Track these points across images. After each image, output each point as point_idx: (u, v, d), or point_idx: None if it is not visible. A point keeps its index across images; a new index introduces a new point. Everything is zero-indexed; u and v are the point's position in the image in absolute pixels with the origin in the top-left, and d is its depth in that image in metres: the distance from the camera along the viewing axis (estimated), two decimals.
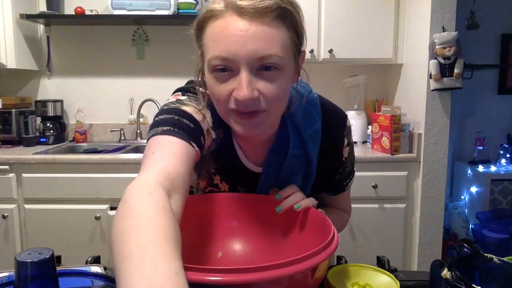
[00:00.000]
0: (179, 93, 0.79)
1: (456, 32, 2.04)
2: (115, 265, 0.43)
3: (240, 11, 0.62)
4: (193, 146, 0.68)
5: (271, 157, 0.81)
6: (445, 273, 0.57)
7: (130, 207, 0.49)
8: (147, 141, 0.69)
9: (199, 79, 0.76)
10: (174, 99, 0.76)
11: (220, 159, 0.83)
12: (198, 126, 0.72)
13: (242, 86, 0.63)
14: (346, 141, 0.86)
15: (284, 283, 0.50)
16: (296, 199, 0.75)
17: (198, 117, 0.73)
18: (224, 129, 0.78)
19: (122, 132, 2.63)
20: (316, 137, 0.81)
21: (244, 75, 0.63)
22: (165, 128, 0.68)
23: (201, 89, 0.77)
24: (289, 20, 0.66)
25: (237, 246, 0.77)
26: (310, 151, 0.81)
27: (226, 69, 0.65)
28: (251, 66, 0.64)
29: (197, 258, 0.74)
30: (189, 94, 0.78)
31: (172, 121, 0.69)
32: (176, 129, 0.68)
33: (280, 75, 0.66)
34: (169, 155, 0.63)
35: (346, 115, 0.86)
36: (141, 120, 2.63)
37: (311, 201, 0.76)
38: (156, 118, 0.72)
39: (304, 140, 0.80)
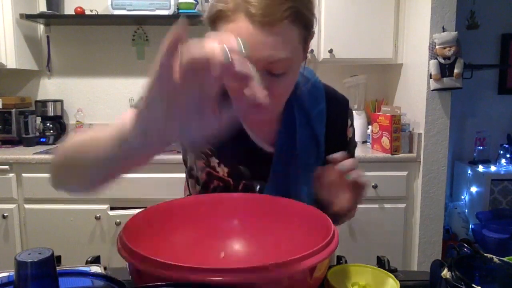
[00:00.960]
0: None
1: (456, 32, 2.04)
2: (89, 152, 0.52)
3: (252, 17, 0.61)
4: None
5: (281, 137, 0.83)
6: (445, 273, 0.57)
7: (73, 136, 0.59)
8: None
9: None
10: None
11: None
12: None
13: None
14: (349, 122, 0.89)
15: (284, 283, 0.50)
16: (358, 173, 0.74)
17: None
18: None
19: None
20: (321, 117, 0.84)
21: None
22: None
23: None
24: (300, 21, 0.65)
25: (239, 246, 0.77)
26: (317, 130, 0.83)
27: None
28: (260, 68, 0.64)
29: (199, 258, 0.74)
30: None
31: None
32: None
33: (289, 73, 0.67)
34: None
35: (348, 99, 0.90)
36: None
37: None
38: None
39: (311, 120, 0.82)
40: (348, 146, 0.90)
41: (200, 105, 0.42)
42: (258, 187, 0.85)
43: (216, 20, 0.66)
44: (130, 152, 0.48)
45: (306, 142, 0.83)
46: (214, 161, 0.84)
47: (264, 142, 0.84)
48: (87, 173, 0.56)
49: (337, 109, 0.87)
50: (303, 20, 0.66)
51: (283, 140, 0.83)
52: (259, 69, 0.64)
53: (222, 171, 0.85)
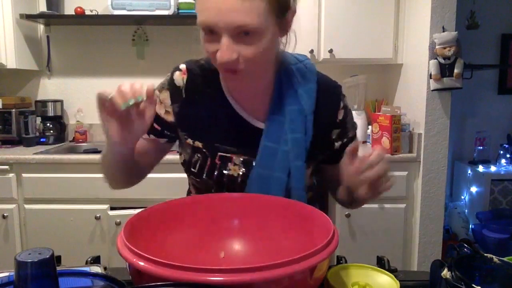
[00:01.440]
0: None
1: (456, 32, 2.04)
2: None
3: None
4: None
5: (271, 112, 0.86)
6: (445, 273, 0.57)
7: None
8: None
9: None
10: None
11: (189, 122, 0.88)
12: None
13: (222, 49, 0.71)
14: (342, 104, 0.91)
15: (284, 283, 0.50)
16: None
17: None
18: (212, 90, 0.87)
19: None
20: (310, 95, 0.86)
21: (224, 40, 0.71)
22: None
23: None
24: None
25: (239, 246, 0.77)
26: (305, 106, 0.85)
27: (212, 31, 0.72)
28: (231, 33, 0.70)
29: (200, 258, 0.74)
30: (158, 86, 0.90)
31: None
32: None
33: (259, 38, 0.72)
34: None
35: (341, 86, 0.94)
36: None
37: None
38: None
39: (299, 96, 0.85)
40: (341, 128, 0.92)
41: (131, 120, 0.73)
42: (242, 159, 0.87)
43: None
44: (114, 155, 0.80)
45: (294, 117, 0.85)
46: (189, 141, 0.89)
47: (254, 118, 0.87)
48: (113, 175, 0.87)
49: (328, 91, 0.90)
50: None
51: (273, 115, 0.86)
52: (228, 33, 0.70)
53: (197, 145, 0.88)
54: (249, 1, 0.68)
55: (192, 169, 0.89)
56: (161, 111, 0.88)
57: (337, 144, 0.93)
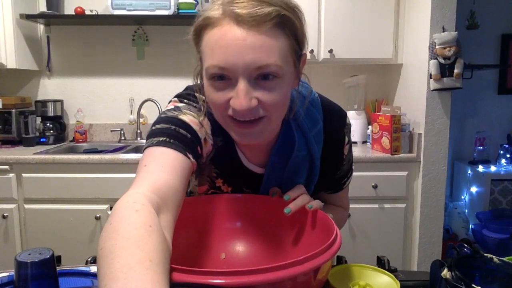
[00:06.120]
0: (177, 99, 0.78)
1: (456, 32, 2.04)
2: (99, 286, 0.43)
3: (238, 20, 0.61)
4: (189, 158, 0.67)
5: (274, 159, 0.81)
6: (445, 273, 0.57)
7: (115, 227, 0.48)
8: (143, 151, 0.68)
9: (198, 82, 0.75)
10: (173, 106, 0.75)
11: (221, 163, 0.82)
12: (195, 136, 0.71)
13: (240, 96, 0.62)
14: (347, 139, 0.87)
15: (287, 285, 0.50)
16: (305, 200, 0.73)
17: (195, 126, 0.72)
18: (224, 134, 0.78)
19: (122, 132, 2.63)
20: (319, 137, 0.82)
21: (241, 85, 0.62)
22: (161, 139, 0.67)
23: (199, 95, 0.76)
24: (288, 28, 0.64)
25: (240, 248, 0.77)
26: (314, 151, 0.81)
27: (223, 77, 0.64)
28: (249, 76, 0.63)
29: (200, 260, 0.74)
30: (186, 101, 0.77)
31: (168, 131, 0.68)
32: (171, 140, 0.67)
33: (279, 83, 0.65)
34: (161, 168, 0.62)
35: (346, 113, 0.87)
36: (141, 120, 2.63)
37: (319, 203, 0.74)
38: (153, 127, 0.71)
39: (308, 141, 0.80)
40: (346, 163, 0.89)
41: None
42: None
43: (202, 29, 0.66)
44: None
45: (298, 164, 0.81)
46: (219, 181, 0.84)
47: (258, 164, 0.83)
48: None
49: (335, 127, 0.84)
50: (291, 27, 0.65)
51: (274, 161, 0.80)
52: (246, 77, 0.62)
53: (226, 189, 0.85)
54: (272, 38, 0.62)
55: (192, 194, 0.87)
56: (202, 136, 0.74)
57: (343, 182, 0.92)
